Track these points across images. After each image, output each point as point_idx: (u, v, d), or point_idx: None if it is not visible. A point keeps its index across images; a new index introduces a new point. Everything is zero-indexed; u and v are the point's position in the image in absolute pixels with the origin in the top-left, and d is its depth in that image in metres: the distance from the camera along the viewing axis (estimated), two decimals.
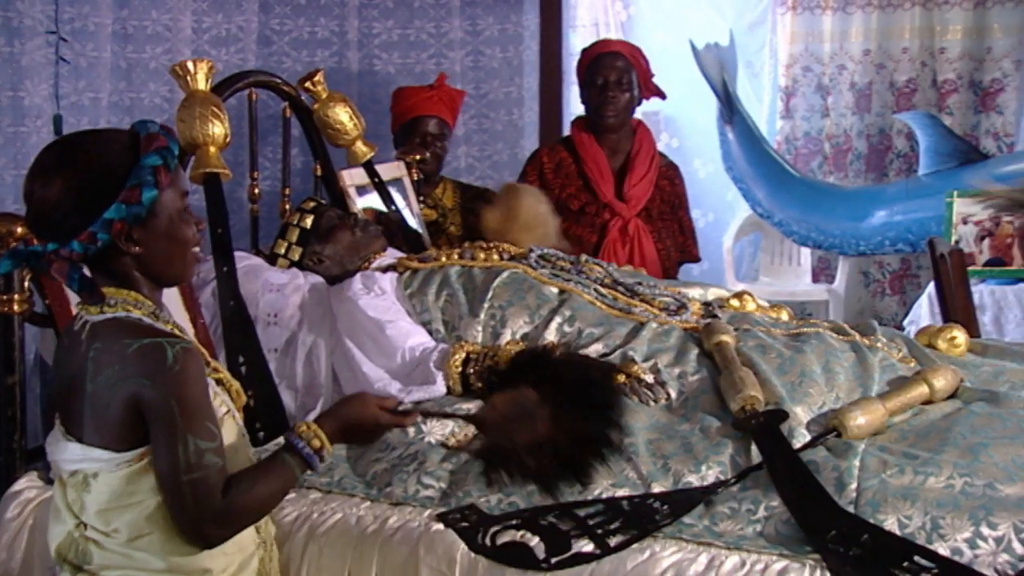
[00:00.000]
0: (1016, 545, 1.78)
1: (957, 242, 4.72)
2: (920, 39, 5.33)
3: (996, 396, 2.20)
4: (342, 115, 3.13)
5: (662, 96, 3.80)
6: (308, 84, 3.14)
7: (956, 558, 1.79)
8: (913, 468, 1.97)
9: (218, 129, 2.62)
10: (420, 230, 3.40)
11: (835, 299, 5.49)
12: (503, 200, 3.11)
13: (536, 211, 3.08)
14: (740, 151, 5.37)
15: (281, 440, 1.79)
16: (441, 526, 2.03)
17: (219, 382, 1.73)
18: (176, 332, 1.64)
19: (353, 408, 1.74)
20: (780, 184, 5.33)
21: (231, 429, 1.70)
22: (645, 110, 5.44)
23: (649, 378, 2.39)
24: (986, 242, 4.77)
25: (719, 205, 5.76)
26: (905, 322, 4.80)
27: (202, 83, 2.65)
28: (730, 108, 5.30)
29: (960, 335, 2.53)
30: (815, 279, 5.76)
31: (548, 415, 1.76)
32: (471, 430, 2.29)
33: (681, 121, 5.72)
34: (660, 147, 5.52)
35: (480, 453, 1.81)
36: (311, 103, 3.21)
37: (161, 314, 1.67)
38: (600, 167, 3.54)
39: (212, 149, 2.62)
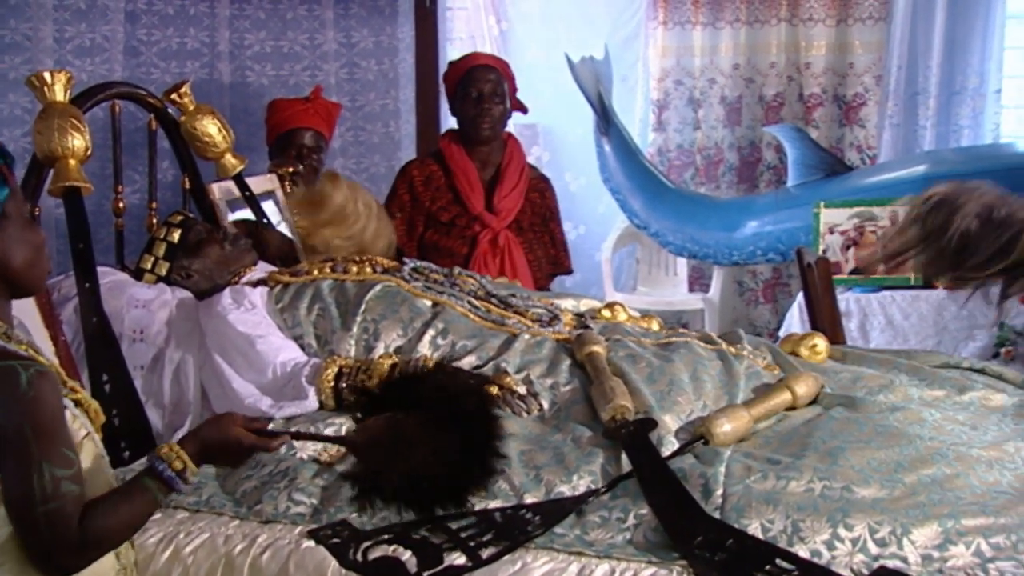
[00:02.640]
0: (871, 545, 1.84)
1: (824, 252, 4.86)
2: (787, 54, 5.49)
3: (854, 401, 2.27)
4: (210, 127, 3.08)
5: (524, 111, 3.83)
6: (174, 96, 3.07)
7: (815, 559, 1.84)
8: (776, 473, 2.02)
9: (78, 142, 2.54)
10: (295, 244, 3.36)
11: (710, 308, 5.60)
12: (314, 189, 3.13)
13: (344, 206, 3.09)
14: (616, 163, 5.44)
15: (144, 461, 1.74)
16: (312, 543, 2.01)
17: (77, 403, 1.68)
18: (31, 353, 1.58)
19: (216, 429, 1.69)
20: (655, 195, 5.42)
21: (90, 452, 1.65)
22: (520, 123, 5.50)
23: (522, 389, 2.40)
24: (851, 251, 4.92)
25: (591, 217, 5.83)
26: (781, 331, 4.93)
27: (60, 94, 2.57)
28: (606, 120, 5.37)
29: (821, 343, 2.60)
30: (691, 288, 5.87)
31: (424, 442, 1.74)
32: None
33: (554, 134, 5.77)
34: (532, 160, 5.58)
35: (353, 478, 1.78)
36: (178, 115, 3.15)
37: (14, 333, 1.61)
38: (470, 179, 3.55)
39: (72, 162, 2.54)
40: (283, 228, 3.39)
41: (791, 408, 2.31)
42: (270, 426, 2.31)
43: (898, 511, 1.88)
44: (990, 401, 2.23)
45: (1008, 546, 1.81)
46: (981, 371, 2.45)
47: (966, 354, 4.66)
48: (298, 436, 1.98)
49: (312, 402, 2.41)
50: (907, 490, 1.93)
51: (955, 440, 2.06)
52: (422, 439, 1.74)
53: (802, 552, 1.85)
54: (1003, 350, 4.69)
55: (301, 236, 3.16)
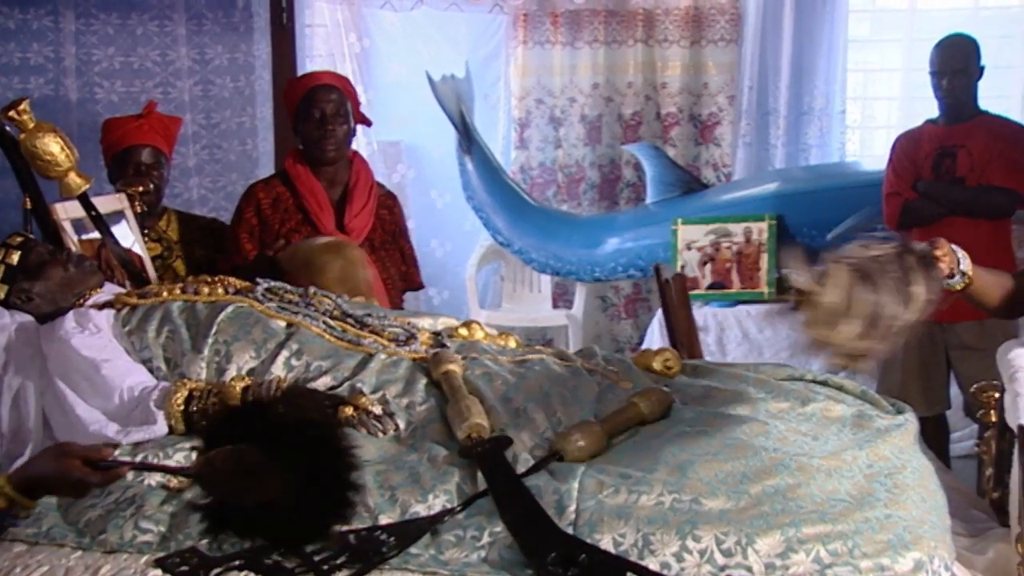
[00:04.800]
0: (718, 556, 1.88)
1: (682, 267, 4.97)
2: (643, 74, 5.61)
3: (703, 415, 2.32)
4: (52, 146, 2.98)
5: (368, 123, 3.81)
6: (12, 113, 2.96)
7: (665, 572, 1.87)
8: (627, 487, 2.04)
9: None
10: (145, 264, 3.27)
11: (574, 324, 5.67)
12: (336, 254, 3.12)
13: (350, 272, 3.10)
14: (479, 181, 5.47)
15: None
16: (159, 572, 1.95)
17: None
18: None
19: (46, 462, 1.63)
20: (518, 213, 5.47)
21: None
22: (384, 140, 5.49)
23: (377, 409, 2.38)
24: (708, 267, 5.05)
25: (456, 235, 5.84)
26: (642, 345, 5.02)
27: None
28: (468, 139, 5.40)
29: (672, 358, 2.65)
30: (555, 305, 5.93)
31: (271, 475, 1.71)
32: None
33: (418, 152, 5.77)
34: (397, 177, 5.58)
35: (200, 509, 1.73)
36: (17, 133, 3.03)
37: None
38: (319, 200, 3.51)
39: None
40: (136, 249, 3.31)
41: (643, 423, 2.34)
42: (116, 452, 2.26)
43: (743, 521, 1.93)
44: (831, 412, 2.30)
45: (845, 552, 1.87)
46: (824, 383, 2.53)
47: (817, 366, 4.83)
48: (139, 467, 1.92)
49: (161, 427, 2.35)
50: (752, 501, 1.98)
51: (797, 451, 2.12)
52: (268, 471, 1.70)
53: (652, 565, 1.88)
54: None
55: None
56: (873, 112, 6.05)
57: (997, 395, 2.39)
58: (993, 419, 2.43)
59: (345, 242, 3.29)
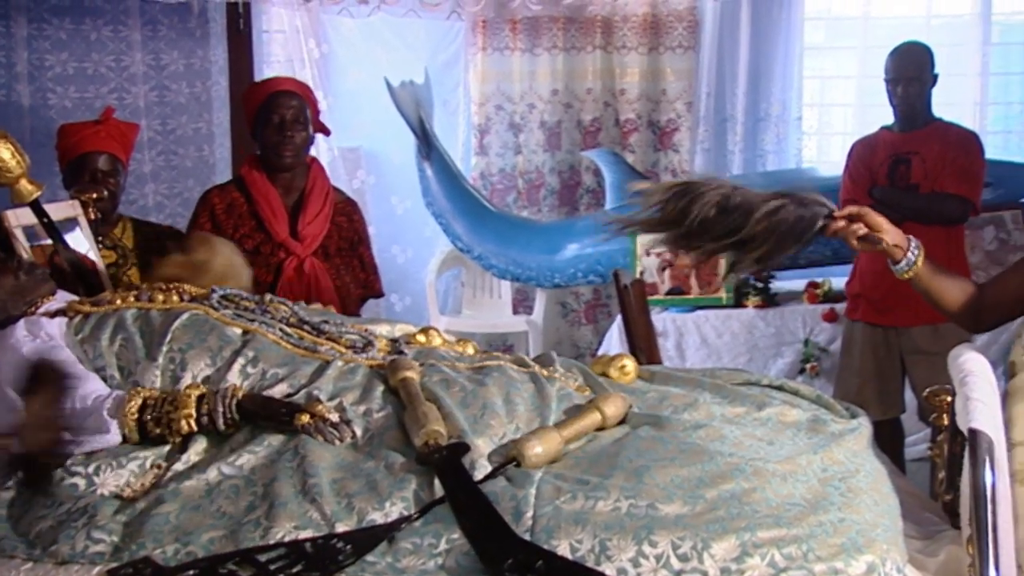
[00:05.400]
0: (673, 561, 1.89)
1: (642, 273, 5.00)
2: (602, 81, 5.64)
3: (660, 420, 2.33)
4: (3, 152, 2.94)
5: (326, 133, 3.80)
6: None
7: None
8: (584, 493, 2.04)
9: None
10: (100, 272, 3.24)
11: (534, 330, 5.68)
12: (194, 252, 3.02)
13: (231, 263, 3.02)
14: (439, 187, 5.47)
15: None
16: None
17: None
18: None
19: None
20: (478, 219, 5.48)
21: None
22: (344, 147, 5.47)
23: (334, 417, 2.36)
24: (667, 272, 5.08)
25: (417, 241, 5.84)
26: (601, 350, 5.03)
27: None
28: (428, 145, 5.39)
29: (630, 363, 2.65)
30: (515, 311, 5.94)
31: None
32: (148, 479, 2.20)
33: (378, 158, 5.77)
34: (357, 184, 5.56)
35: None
36: None
37: None
38: (273, 206, 3.48)
39: None
40: (91, 255, 3.27)
41: (601, 428, 2.34)
42: (68, 462, 2.24)
43: (699, 526, 1.93)
44: (786, 417, 2.32)
45: (799, 556, 1.88)
46: (779, 388, 2.55)
47: (774, 370, 4.87)
48: None
49: (115, 436, 2.32)
50: (708, 505, 1.99)
51: (753, 455, 2.13)
52: None
53: (609, 571, 1.88)
54: (808, 365, 4.92)
55: None
56: (829, 118, 6.12)
57: (949, 399, 2.41)
58: (945, 423, 2.45)
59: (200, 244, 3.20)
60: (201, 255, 3.02)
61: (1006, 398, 2.29)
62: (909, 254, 2.36)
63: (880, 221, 2.36)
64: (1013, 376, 2.35)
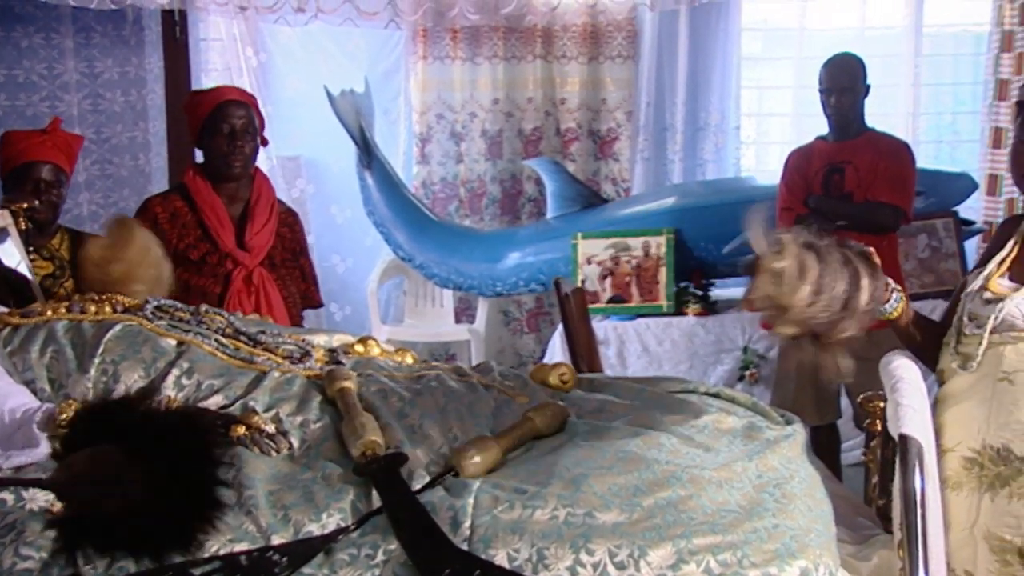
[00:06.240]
0: (611, 569, 1.89)
1: (583, 281, 5.02)
2: (543, 90, 5.66)
3: (598, 428, 2.33)
4: None
5: (264, 143, 3.78)
6: None
7: None
8: (522, 502, 2.04)
9: None
10: (31, 283, 3.18)
11: (476, 339, 5.68)
12: (113, 231, 2.96)
13: (149, 249, 2.96)
14: (380, 196, 5.45)
15: None
16: None
17: None
18: None
19: None
20: (420, 228, 5.47)
21: None
22: (283, 155, 5.43)
23: (270, 428, 2.34)
24: (608, 281, 5.10)
25: (358, 250, 5.82)
26: (544, 359, 5.05)
27: None
28: (368, 154, 5.38)
29: (568, 372, 2.66)
30: (458, 320, 5.94)
31: (138, 475, 1.64)
32: None
33: (318, 167, 5.74)
34: (297, 193, 5.53)
35: (56, 524, 1.67)
36: None
37: None
38: (219, 216, 3.46)
39: None
40: (22, 268, 3.21)
41: (539, 437, 2.34)
42: None
43: (636, 534, 1.94)
44: (722, 424, 2.33)
45: (734, 562, 1.89)
46: (716, 395, 2.56)
47: (715, 377, 4.91)
48: None
49: (44, 450, 2.27)
50: (644, 513, 1.99)
51: (689, 463, 2.14)
52: (132, 471, 1.62)
53: None
54: (748, 372, 4.97)
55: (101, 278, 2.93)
56: (767, 128, 6.19)
57: (882, 405, 2.45)
58: (878, 428, 2.49)
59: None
60: (121, 232, 2.96)
61: (936, 405, 2.33)
62: (894, 294, 2.34)
63: None
64: (943, 383, 2.38)
